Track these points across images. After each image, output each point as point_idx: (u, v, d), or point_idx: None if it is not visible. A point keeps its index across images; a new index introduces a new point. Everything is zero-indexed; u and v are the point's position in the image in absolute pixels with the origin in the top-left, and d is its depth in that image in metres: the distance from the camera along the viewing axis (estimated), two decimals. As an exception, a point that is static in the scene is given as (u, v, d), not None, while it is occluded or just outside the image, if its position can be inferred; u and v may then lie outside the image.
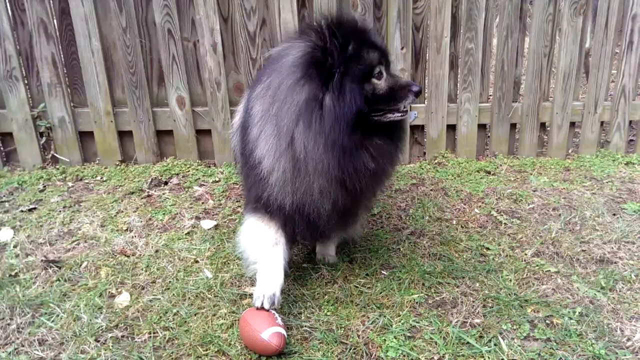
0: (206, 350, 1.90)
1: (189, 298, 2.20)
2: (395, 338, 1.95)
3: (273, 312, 1.93)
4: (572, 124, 3.77)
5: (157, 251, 2.55)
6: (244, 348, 1.91)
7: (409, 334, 1.98)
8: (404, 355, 1.87)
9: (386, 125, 2.01)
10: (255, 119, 1.99)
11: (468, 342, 1.93)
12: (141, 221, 2.83)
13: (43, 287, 2.27)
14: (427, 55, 3.58)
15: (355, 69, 1.89)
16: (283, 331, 1.86)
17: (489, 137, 3.88)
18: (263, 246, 2.10)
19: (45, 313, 2.11)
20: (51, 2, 3.29)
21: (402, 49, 3.49)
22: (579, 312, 2.09)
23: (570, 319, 2.06)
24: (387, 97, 1.96)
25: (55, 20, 3.35)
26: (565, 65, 3.60)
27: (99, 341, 1.96)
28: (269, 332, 1.82)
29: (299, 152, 1.89)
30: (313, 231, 2.13)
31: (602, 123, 3.78)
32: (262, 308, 1.92)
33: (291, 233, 2.14)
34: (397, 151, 2.13)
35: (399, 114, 2.00)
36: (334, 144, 1.85)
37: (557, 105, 3.69)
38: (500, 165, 3.63)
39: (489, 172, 3.52)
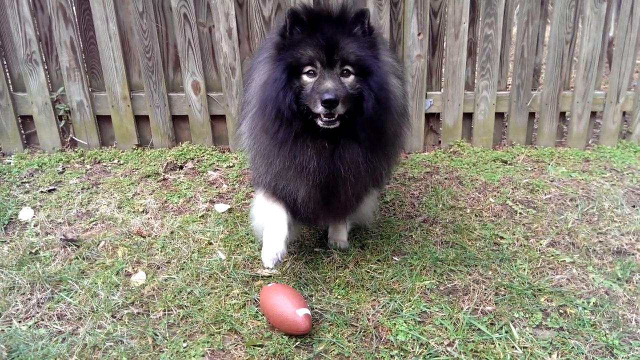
0: (219, 328, 1.94)
1: (203, 278, 2.23)
2: (406, 322, 1.96)
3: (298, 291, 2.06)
4: (593, 114, 3.69)
5: (172, 233, 2.59)
6: (256, 327, 1.94)
7: (419, 319, 1.98)
8: (414, 340, 1.88)
9: (345, 129, 1.91)
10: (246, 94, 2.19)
11: (479, 329, 1.93)
12: (157, 204, 2.87)
13: (62, 265, 2.33)
14: (445, 41, 3.53)
15: (288, 60, 1.88)
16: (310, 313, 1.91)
17: (506, 126, 3.83)
18: (267, 213, 2.15)
19: (64, 289, 2.16)
20: (70, -14, 3.33)
21: (419, 34, 3.44)
22: (594, 303, 2.07)
23: (584, 309, 2.04)
24: (309, 98, 1.87)
25: (73, 5, 3.38)
26: (587, 52, 3.51)
27: (115, 317, 2.01)
28: (302, 312, 1.85)
29: (256, 133, 2.01)
30: (305, 213, 2.13)
31: (624, 113, 3.69)
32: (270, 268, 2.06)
33: (290, 210, 2.17)
34: (366, 159, 1.98)
35: (321, 122, 1.87)
36: (266, 130, 1.94)
37: (578, 94, 3.61)
38: (518, 154, 3.58)
39: (505, 162, 3.47)
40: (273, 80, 1.88)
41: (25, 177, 3.22)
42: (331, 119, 1.86)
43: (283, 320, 1.87)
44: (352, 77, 1.90)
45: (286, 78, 1.87)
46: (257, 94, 1.99)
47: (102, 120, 3.62)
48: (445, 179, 3.21)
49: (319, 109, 1.82)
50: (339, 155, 1.95)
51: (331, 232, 2.50)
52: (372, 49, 1.95)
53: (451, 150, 3.65)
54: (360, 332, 1.92)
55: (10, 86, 3.52)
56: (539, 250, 2.43)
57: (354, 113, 1.91)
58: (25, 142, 3.64)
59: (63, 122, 3.58)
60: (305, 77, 1.89)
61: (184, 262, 2.35)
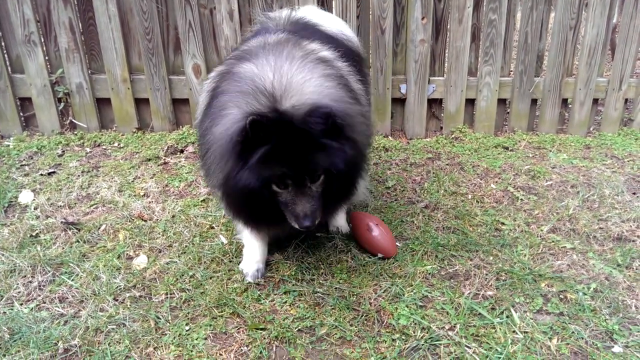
0: (221, 311, 1.95)
1: (205, 262, 2.23)
2: (407, 307, 1.97)
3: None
4: (595, 101, 3.68)
5: (173, 216, 2.58)
6: (258, 311, 1.95)
7: (420, 304, 1.99)
8: (415, 324, 1.89)
9: None
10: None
11: (480, 313, 1.94)
12: (158, 187, 2.86)
13: (63, 248, 2.32)
14: (449, 26, 3.49)
15: (257, 171, 1.73)
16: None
17: (508, 112, 3.81)
18: (245, 235, 2.21)
19: (66, 272, 2.16)
20: (69, -35, 3.26)
21: (422, 19, 3.40)
22: (594, 288, 2.08)
23: (585, 294, 2.05)
24: (284, 209, 1.82)
25: (72, -15, 3.33)
26: (591, 39, 3.48)
27: (117, 300, 2.02)
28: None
29: (226, 201, 1.93)
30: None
31: (626, 100, 3.68)
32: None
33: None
34: (337, 203, 2.04)
35: (297, 227, 1.84)
36: (237, 211, 1.95)
37: (580, 81, 3.59)
38: (519, 141, 3.57)
39: (507, 148, 3.46)
40: (242, 186, 1.74)
41: (24, 159, 3.20)
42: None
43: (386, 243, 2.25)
44: (321, 178, 1.80)
45: (259, 187, 1.74)
46: (224, 184, 1.83)
47: (102, 103, 3.59)
48: (447, 164, 3.20)
49: (297, 227, 1.83)
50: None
51: (329, 220, 2.47)
52: (339, 140, 1.76)
53: (453, 136, 3.64)
54: (362, 316, 1.93)
55: (9, 67, 3.47)
56: (540, 236, 2.44)
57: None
58: (24, 124, 3.60)
59: (62, 104, 3.55)
60: (276, 189, 1.79)
61: (186, 245, 2.35)
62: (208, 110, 1.96)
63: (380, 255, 2.24)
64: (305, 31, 2.26)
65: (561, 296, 2.05)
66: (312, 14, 2.54)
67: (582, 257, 2.29)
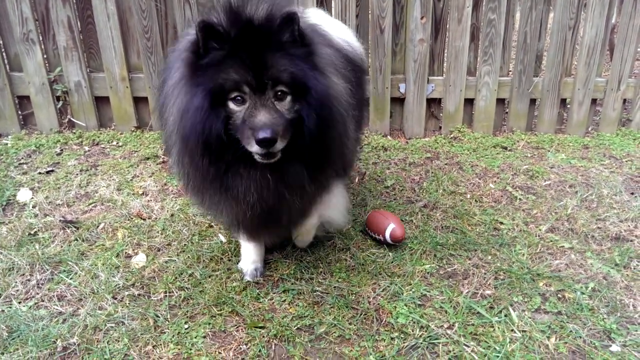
0: (220, 310, 1.95)
1: (204, 261, 2.23)
2: (406, 305, 1.97)
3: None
4: (594, 101, 3.68)
5: (172, 215, 2.58)
6: (257, 309, 1.95)
7: (419, 302, 2.00)
8: (414, 322, 1.89)
9: (287, 153, 1.62)
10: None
11: (478, 312, 1.95)
12: (157, 186, 2.85)
13: (61, 246, 2.32)
14: (448, 25, 3.50)
15: (208, 84, 1.53)
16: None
17: (507, 112, 3.81)
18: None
19: (64, 270, 2.16)
20: (67, -37, 3.26)
21: (421, 18, 3.40)
22: (592, 288, 2.09)
23: (583, 293, 2.06)
24: (240, 131, 1.56)
25: (71, -17, 3.32)
26: (590, 39, 3.49)
27: (116, 298, 2.01)
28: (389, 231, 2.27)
29: (184, 168, 1.74)
30: (246, 234, 2.02)
31: (624, 101, 3.69)
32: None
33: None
34: (313, 178, 1.74)
35: (259, 158, 1.59)
36: (194, 166, 1.65)
37: (579, 81, 3.59)
38: (518, 141, 3.57)
39: (505, 148, 3.47)
40: (194, 110, 1.54)
41: (22, 158, 3.19)
42: (270, 159, 1.58)
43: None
44: (288, 98, 1.58)
45: (209, 106, 1.53)
46: (176, 125, 1.64)
47: (101, 102, 3.58)
48: (446, 164, 3.20)
49: (254, 147, 1.53)
50: (282, 181, 1.68)
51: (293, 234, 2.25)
52: (306, 59, 1.61)
53: (452, 135, 3.64)
54: (361, 314, 1.94)
55: (7, 66, 3.46)
56: (538, 236, 2.45)
57: (296, 136, 1.61)
58: (22, 122, 3.60)
59: (61, 102, 3.54)
60: (232, 105, 1.56)
61: (185, 244, 2.35)
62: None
63: (388, 233, 2.26)
64: None
65: (559, 295, 2.05)
66: (319, 18, 2.35)
67: (580, 257, 2.30)
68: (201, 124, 1.53)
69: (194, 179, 1.74)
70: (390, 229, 2.26)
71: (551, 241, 2.41)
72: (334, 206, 2.13)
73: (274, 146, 1.53)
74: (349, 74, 1.90)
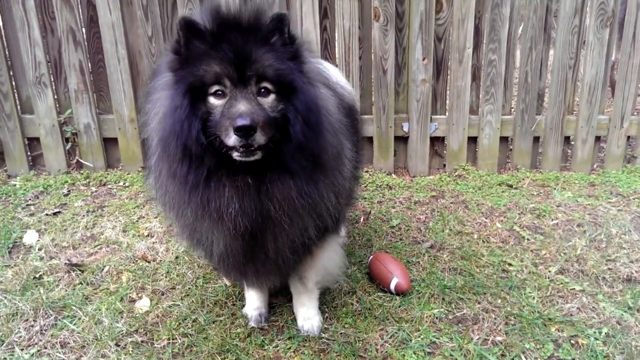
0: (224, 358, 1.90)
1: (208, 305, 2.21)
2: (415, 353, 1.92)
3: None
4: (597, 138, 3.70)
5: (177, 257, 2.57)
6: (262, 357, 1.91)
7: (428, 350, 1.95)
8: (424, 371, 1.84)
9: (271, 160, 1.54)
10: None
11: (489, 360, 1.89)
12: (162, 227, 2.86)
13: (66, 290, 2.30)
14: (449, 66, 3.56)
15: (188, 79, 1.48)
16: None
17: (511, 149, 3.83)
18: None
19: (68, 316, 2.14)
20: (80, 10, 3.38)
21: (423, 59, 3.47)
22: (605, 333, 2.03)
23: (596, 339, 2.00)
24: (219, 125, 1.47)
25: (83, 29, 3.43)
26: (590, 78, 3.54)
27: (119, 345, 1.98)
28: (393, 284, 2.25)
29: (162, 180, 1.64)
30: (227, 271, 1.90)
31: (628, 138, 3.70)
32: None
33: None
34: (301, 192, 1.59)
35: (238, 154, 1.48)
36: (173, 174, 1.55)
37: (582, 119, 3.62)
38: (523, 179, 3.57)
39: (510, 186, 3.46)
40: (173, 109, 1.48)
41: (30, 199, 3.21)
42: (249, 149, 1.47)
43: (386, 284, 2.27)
44: (272, 96, 1.52)
45: (188, 103, 1.47)
46: (156, 130, 1.58)
47: (109, 143, 3.64)
48: (451, 203, 3.20)
49: (232, 139, 1.43)
50: (267, 192, 1.56)
51: (294, 302, 2.10)
52: (294, 60, 1.56)
53: (456, 174, 3.65)
54: (368, 362, 1.89)
55: (19, 108, 3.55)
56: (548, 278, 2.41)
57: (280, 140, 1.53)
58: (31, 163, 3.65)
59: (69, 144, 3.60)
60: (212, 99, 1.49)
61: (189, 288, 2.33)
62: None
63: (393, 286, 2.23)
64: None
65: (572, 341, 2.00)
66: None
67: (592, 300, 2.25)
68: (179, 124, 1.46)
69: (172, 192, 1.61)
70: (394, 283, 2.23)
71: (561, 283, 2.36)
72: (328, 258, 2.01)
73: (253, 137, 1.43)
74: (344, 112, 1.86)
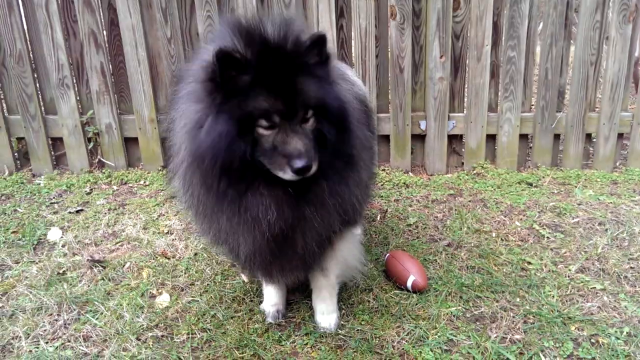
0: (242, 353, 1.93)
1: (226, 301, 2.24)
2: (432, 351, 1.92)
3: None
4: (620, 136, 3.62)
5: (196, 254, 2.61)
6: (279, 352, 1.93)
7: (445, 348, 1.94)
8: (441, 369, 1.84)
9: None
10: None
11: (507, 359, 1.88)
12: (181, 225, 2.90)
13: (88, 286, 2.36)
14: (467, 63, 3.53)
15: (235, 112, 1.48)
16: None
17: (530, 147, 3.78)
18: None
19: (90, 310, 2.19)
20: (101, 13, 3.46)
21: (441, 57, 3.45)
22: (627, 332, 2.00)
23: (617, 338, 1.96)
24: (269, 156, 1.52)
25: (104, 31, 3.51)
26: (613, 74, 3.47)
27: (140, 339, 2.02)
28: (410, 282, 2.25)
29: (194, 190, 1.65)
30: (252, 269, 1.94)
31: (652, 135, 3.62)
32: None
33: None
34: (332, 192, 1.65)
35: (288, 176, 1.53)
36: (209, 187, 1.57)
37: (604, 116, 3.55)
38: (543, 177, 3.52)
39: (530, 184, 3.41)
40: (217, 135, 1.48)
41: (54, 197, 3.30)
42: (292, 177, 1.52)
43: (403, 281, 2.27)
44: (312, 119, 1.56)
45: (236, 133, 1.48)
46: (185, 141, 1.59)
47: (129, 142, 3.71)
48: (469, 201, 3.17)
49: (289, 175, 1.50)
50: (304, 197, 1.62)
51: (313, 298, 2.09)
52: (328, 79, 1.61)
53: (474, 172, 3.62)
54: (385, 359, 1.89)
55: (43, 109, 3.64)
56: (568, 277, 2.37)
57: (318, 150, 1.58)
58: (54, 163, 3.74)
59: (92, 144, 3.68)
60: (261, 130, 1.51)
61: (208, 284, 2.36)
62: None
63: (409, 284, 2.23)
64: None
65: (592, 340, 1.97)
66: None
67: (613, 299, 2.21)
68: (228, 150, 1.48)
69: (206, 203, 1.63)
70: (411, 281, 2.23)
71: (582, 282, 2.33)
72: (349, 252, 2.03)
73: (309, 172, 1.50)
74: (359, 108, 1.92)
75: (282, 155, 1.49)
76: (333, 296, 2.08)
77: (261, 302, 2.19)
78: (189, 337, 2.03)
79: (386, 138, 3.66)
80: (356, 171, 1.74)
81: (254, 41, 1.49)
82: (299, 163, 1.46)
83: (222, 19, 1.89)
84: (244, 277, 2.39)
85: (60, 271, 2.47)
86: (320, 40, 1.54)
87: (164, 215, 3.04)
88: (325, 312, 2.07)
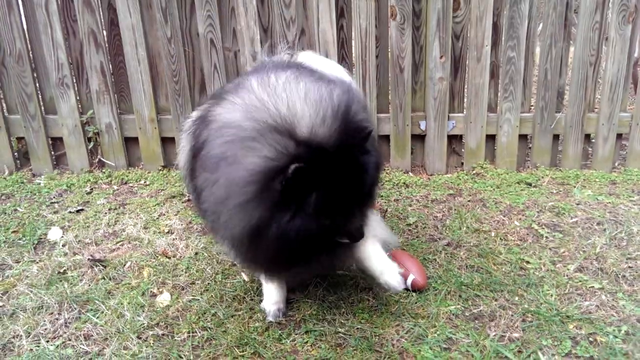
0: (242, 351, 1.94)
1: (227, 300, 2.24)
2: (431, 349, 1.93)
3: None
4: (619, 136, 3.64)
5: (196, 253, 2.62)
6: (279, 351, 1.94)
7: (444, 346, 1.95)
8: (440, 367, 1.85)
9: None
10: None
11: (506, 357, 1.89)
12: (182, 224, 2.91)
13: (89, 285, 2.37)
14: (467, 63, 3.54)
15: (312, 223, 1.59)
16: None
17: (530, 148, 3.79)
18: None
19: (91, 309, 2.20)
20: (101, 13, 3.46)
21: (441, 57, 3.46)
22: (625, 331, 2.01)
23: (616, 337, 1.98)
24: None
25: (104, 31, 3.52)
26: (612, 74, 3.48)
27: (140, 338, 2.03)
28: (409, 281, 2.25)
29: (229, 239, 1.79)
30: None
31: (651, 135, 3.63)
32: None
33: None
34: (372, 199, 1.89)
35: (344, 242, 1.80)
36: (257, 248, 1.69)
37: (603, 116, 3.56)
38: (542, 177, 3.53)
39: (529, 184, 3.43)
40: (301, 232, 1.59)
41: (54, 197, 3.31)
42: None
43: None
44: None
45: (321, 235, 1.65)
46: (242, 229, 1.63)
47: (129, 142, 3.72)
48: (469, 201, 3.18)
49: (345, 241, 1.79)
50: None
51: (367, 265, 2.09)
52: (370, 153, 1.70)
53: (474, 172, 3.63)
54: (384, 357, 1.90)
55: (42, 109, 3.65)
56: (567, 276, 2.38)
57: None
58: (54, 163, 3.75)
59: (92, 143, 3.69)
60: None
61: (208, 283, 2.37)
62: (201, 155, 1.74)
63: (409, 283, 2.24)
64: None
65: (591, 339, 1.98)
66: (311, 59, 2.42)
67: (612, 298, 2.22)
68: (304, 249, 1.66)
69: (251, 253, 1.76)
70: (411, 279, 2.24)
71: (580, 281, 2.34)
72: (378, 225, 2.23)
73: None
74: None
75: (346, 234, 1.75)
76: (380, 251, 2.10)
77: (261, 300, 2.20)
78: (189, 336, 2.04)
79: (386, 138, 3.67)
80: (373, 198, 1.93)
81: (322, 152, 1.54)
82: (358, 239, 1.77)
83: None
84: (245, 276, 2.40)
85: (61, 270, 2.48)
86: (369, 134, 1.64)
87: (164, 215, 3.04)
88: (385, 271, 2.05)
